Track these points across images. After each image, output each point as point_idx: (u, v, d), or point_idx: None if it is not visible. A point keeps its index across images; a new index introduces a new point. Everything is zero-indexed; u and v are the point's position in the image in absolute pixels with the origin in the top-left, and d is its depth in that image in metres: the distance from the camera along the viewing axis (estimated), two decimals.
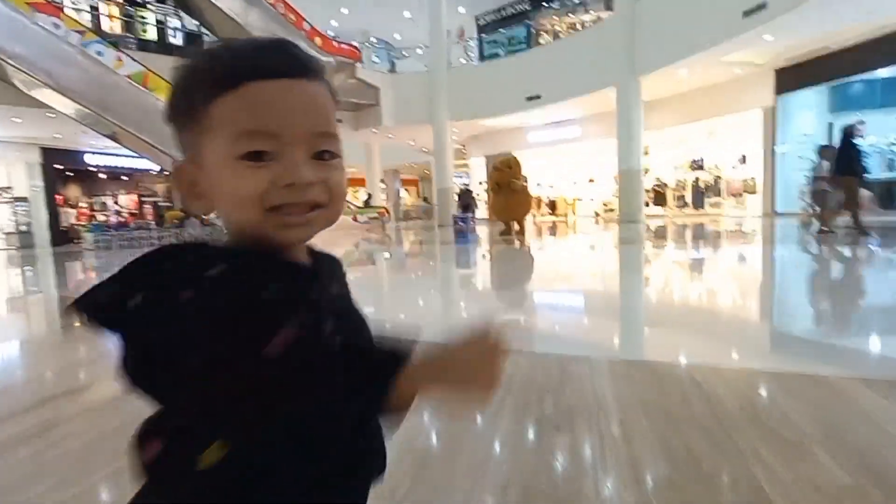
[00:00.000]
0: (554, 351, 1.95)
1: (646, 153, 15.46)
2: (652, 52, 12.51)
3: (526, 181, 10.70)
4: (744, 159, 15.64)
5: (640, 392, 1.51)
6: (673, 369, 1.69)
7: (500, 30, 19.94)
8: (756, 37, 10.27)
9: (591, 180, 21.99)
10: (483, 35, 20.72)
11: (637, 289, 3.79)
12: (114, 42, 13.09)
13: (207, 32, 15.95)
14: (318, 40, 16.29)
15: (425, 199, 37.53)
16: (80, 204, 22.26)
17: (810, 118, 12.73)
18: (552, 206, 21.86)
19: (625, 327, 2.55)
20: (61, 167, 19.43)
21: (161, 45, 16.37)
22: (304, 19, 15.86)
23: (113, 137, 13.44)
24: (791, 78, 12.54)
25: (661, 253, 6.19)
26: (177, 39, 16.93)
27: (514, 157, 10.23)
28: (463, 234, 8.92)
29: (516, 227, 10.46)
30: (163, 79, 12.85)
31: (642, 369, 1.71)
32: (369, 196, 21.07)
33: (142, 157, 15.86)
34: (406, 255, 8.20)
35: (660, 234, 9.69)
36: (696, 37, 11.17)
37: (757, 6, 9.56)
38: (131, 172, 22.50)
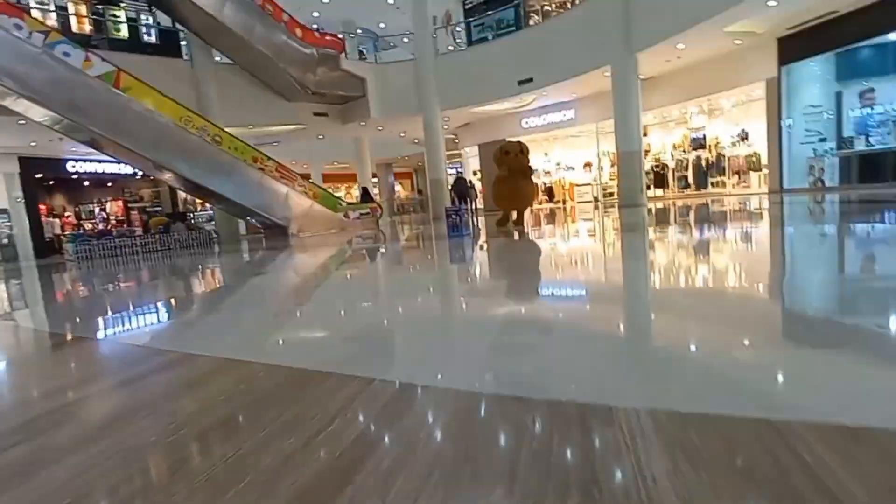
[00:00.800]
0: (573, 396, 1.40)
1: (644, 134, 14.90)
2: (648, 26, 11.90)
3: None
4: (745, 135, 15.10)
5: (715, 480, 0.95)
6: (757, 432, 1.13)
7: (489, 12, 19.22)
8: (760, 1, 9.66)
9: (587, 164, 21.43)
10: (470, 19, 19.99)
11: (670, 295, 2.95)
12: (81, 41, 12.43)
13: (182, 28, 15.28)
14: (298, 32, 15.63)
15: (419, 192, 36.97)
16: (66, 213, 21.69)
17: (817, 88, 12.13)
18: (549, 192, 21.28)
19: (666, 355, 1.87)
20: (41, 176, 18.80)
21: (134, 44, 15.68)
22: (283, 10, 15.18)
23: (92, 144, 12.81)
24: (794, 47, 11.94)
25: (683, 242, 5.61)
26: (151, 37, 16.20)
27: (525, 144, 9.63)
28: (456, 227, 8.35)
29: (513, 216, 9.92)
30: (136, 78, 12.24)
31: (707, 430, 1.15)
32: (365, 190, 20.51)
33: (122, 163, 15.23)
34: (393, 254, 7.65)
35: (671, 218, 9.13)
36: (696, 6, 10.56)
37: None
38: (115, 178, 21.88)
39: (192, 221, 17.59)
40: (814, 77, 12.09)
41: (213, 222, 17.23)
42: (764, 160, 14.66)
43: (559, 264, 4.88)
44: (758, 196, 12.54)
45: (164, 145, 12.51)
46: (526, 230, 8.99)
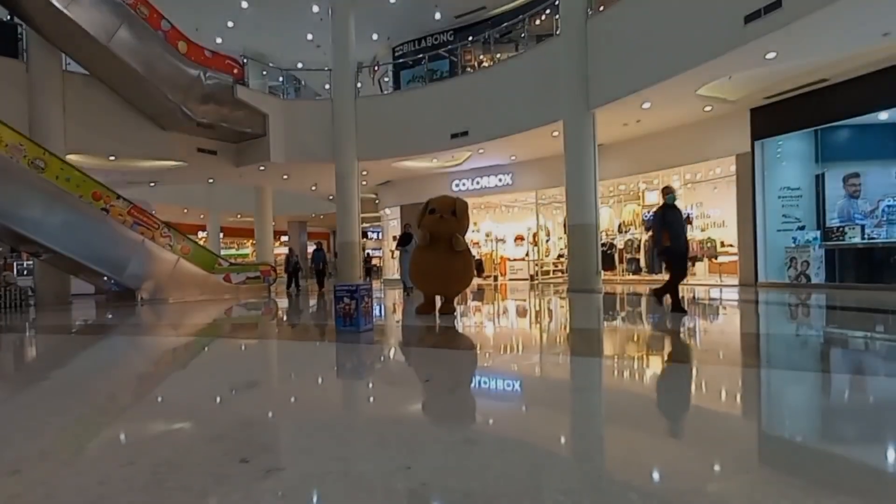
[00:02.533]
0: None
1: None
2: (612, 78, 9.92)
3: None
4: (689, 218, 13.46)
5: None
6: None
7: (422, 62, 17.14)
8: (758, 51, 7.79)
9: (518, 238, 19.28)
10: (400, 60, 17.80)
11: None
12: None
13: (21, 22, 11.64)
14: (181, 46, 12.46)
15: (335, 255, 33.51)
16: None
17: (796, 168, 10.51)
18: (478, 266, 18.64)
19: None
20: None
21: None
22: (163, 16, 12.04)
23: None
24: (770, 119, 10.36)
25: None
26: None
27: (462, 201, 6.80)
28: (350, 317, 5.19)
29: (440, 301, 6.95)
30: None
31: None
32: (291, 253, 17.00)
33: None
34: (213, 364, 4.41)
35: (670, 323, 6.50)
36: (674, 56, 8.63)
37: (769, 5, 7.07)
38: None
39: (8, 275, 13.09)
40: (792, 155, 10.50)
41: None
42: (723, 247, 12.95)
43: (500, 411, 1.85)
44: (732, 289, 10.46)
45: None
46: (458, 323, 6.01)
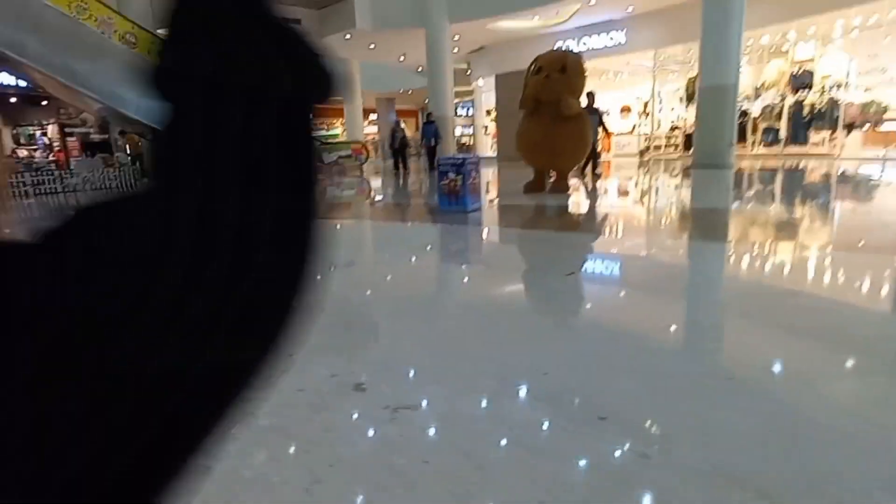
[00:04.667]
0: None
1: None
2: None
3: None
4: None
5: None
6: None
7: None
8: None
9: (625, 109, 17.28)
10: None
11: None
12: None
13: None
14: None
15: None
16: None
17: None
18: None
19: None
20: None
21: None
22: None
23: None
24: None
25: None
26: None
27: (576, 57, 5.83)
28: (455, 195, 4.55)
29: (552, 177, 6.11)
30: None
31: None
32: (396, 126, 14.04)
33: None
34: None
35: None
36: None
37: None
38: (50, 96, 17.84)
39: (119, 156, 13.73)
40: None
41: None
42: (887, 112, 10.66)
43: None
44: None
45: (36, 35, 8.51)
46: (574, 203, 5.21)
